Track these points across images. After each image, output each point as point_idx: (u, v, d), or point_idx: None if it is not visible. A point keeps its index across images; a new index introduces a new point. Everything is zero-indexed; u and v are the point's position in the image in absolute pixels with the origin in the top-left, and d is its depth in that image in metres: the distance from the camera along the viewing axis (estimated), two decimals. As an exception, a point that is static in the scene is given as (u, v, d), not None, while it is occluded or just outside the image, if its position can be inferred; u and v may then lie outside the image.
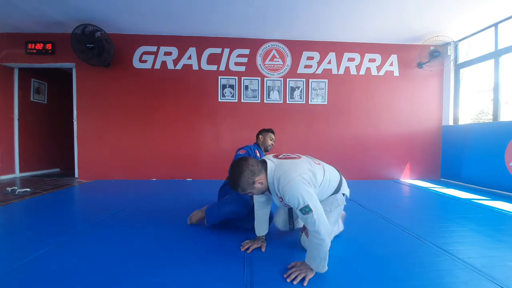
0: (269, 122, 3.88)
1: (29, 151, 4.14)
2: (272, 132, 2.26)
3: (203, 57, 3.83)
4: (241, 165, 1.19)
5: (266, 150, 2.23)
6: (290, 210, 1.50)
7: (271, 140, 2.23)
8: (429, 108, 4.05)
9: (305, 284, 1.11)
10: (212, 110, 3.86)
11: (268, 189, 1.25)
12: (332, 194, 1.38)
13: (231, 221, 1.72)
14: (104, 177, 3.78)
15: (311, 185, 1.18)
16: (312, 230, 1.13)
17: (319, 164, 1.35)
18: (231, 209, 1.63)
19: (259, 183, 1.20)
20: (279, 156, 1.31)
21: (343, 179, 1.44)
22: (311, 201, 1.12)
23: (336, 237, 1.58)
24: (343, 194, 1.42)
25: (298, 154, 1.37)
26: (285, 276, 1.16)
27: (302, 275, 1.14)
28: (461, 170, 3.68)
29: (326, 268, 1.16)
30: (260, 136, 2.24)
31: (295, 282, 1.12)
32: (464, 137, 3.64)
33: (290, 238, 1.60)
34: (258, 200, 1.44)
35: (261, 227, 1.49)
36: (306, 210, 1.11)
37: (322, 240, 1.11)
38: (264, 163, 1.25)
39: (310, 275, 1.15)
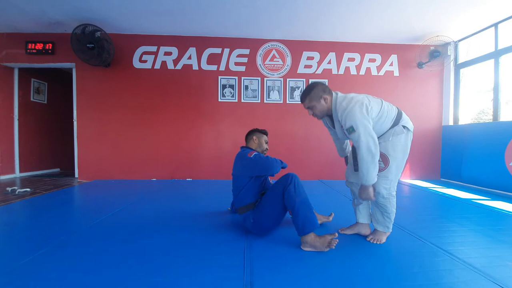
0: (269, 122, 3.89)
1: (29, 151, 4.14)
2: (267, 134, 1.92)
3: (203, 57, 3.83)
4: (315, 83, 1.51)
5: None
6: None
7: (266, 143, 1.89)
8: (429, 108, 4.05)
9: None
10: (212, 110, 3.86)
11: (328, 114, 1.52)
12: (391, 128, 1.47)
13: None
14: (104, 177, 3.78)
15: (367, 111, 1.36)
16: (356, 146, 1.37)
17: (377, 97, 1.54)
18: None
19: (324, 99, 1.47)
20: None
21: (403, 114, 1.53)
22: (359, 123, 1.32)
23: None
24: (404, 127, 1.46)
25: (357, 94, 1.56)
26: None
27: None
28: (461, 170, 3.67)
29: (374, 179, 1.36)
30: (254, 137, 1.85)
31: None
32: (464, 137, 3.64)
33: (290, 237, 1.60)
34: (334, 137, 1.73)
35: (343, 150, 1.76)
36: (350, 130, 1.35)
37: (361, 157, 1.33)
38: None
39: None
